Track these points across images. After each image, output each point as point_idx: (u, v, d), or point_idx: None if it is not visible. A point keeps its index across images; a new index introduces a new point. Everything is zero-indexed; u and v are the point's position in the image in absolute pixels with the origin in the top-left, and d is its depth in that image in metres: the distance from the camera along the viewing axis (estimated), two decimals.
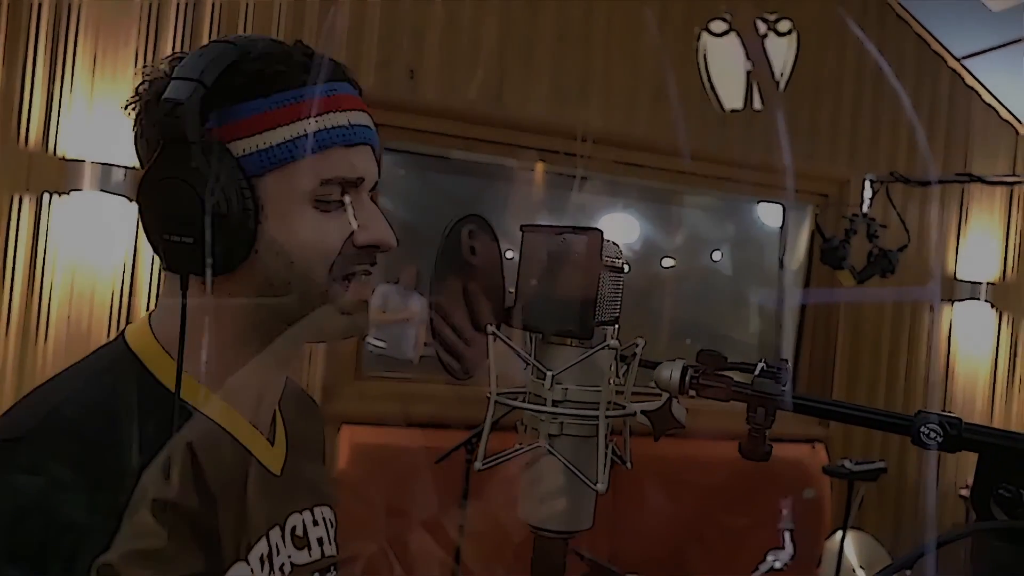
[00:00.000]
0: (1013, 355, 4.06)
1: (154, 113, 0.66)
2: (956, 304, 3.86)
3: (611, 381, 0.57)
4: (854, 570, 3.04)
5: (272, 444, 0.79)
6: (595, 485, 0.54)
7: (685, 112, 3.44)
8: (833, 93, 3.68)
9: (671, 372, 0.56)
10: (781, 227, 3.98)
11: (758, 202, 4.08)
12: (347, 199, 0.71)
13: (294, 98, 0.68)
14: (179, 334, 0.65)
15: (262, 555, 0.72)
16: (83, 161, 2.49)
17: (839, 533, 3.05)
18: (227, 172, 0.65)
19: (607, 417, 0.55)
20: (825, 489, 3.42)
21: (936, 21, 3.76)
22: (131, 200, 2.49)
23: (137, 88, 0.71)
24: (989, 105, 3.95)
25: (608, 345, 0.55)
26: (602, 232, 0.54)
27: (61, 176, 2.50)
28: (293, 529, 0.77)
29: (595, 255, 0.54)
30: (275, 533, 0.74)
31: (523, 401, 0.58)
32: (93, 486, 0.60)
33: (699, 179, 3.62)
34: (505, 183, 3.84)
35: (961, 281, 3.85)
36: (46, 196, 2.52)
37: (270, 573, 0.71)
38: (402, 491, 3.02)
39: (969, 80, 3.89)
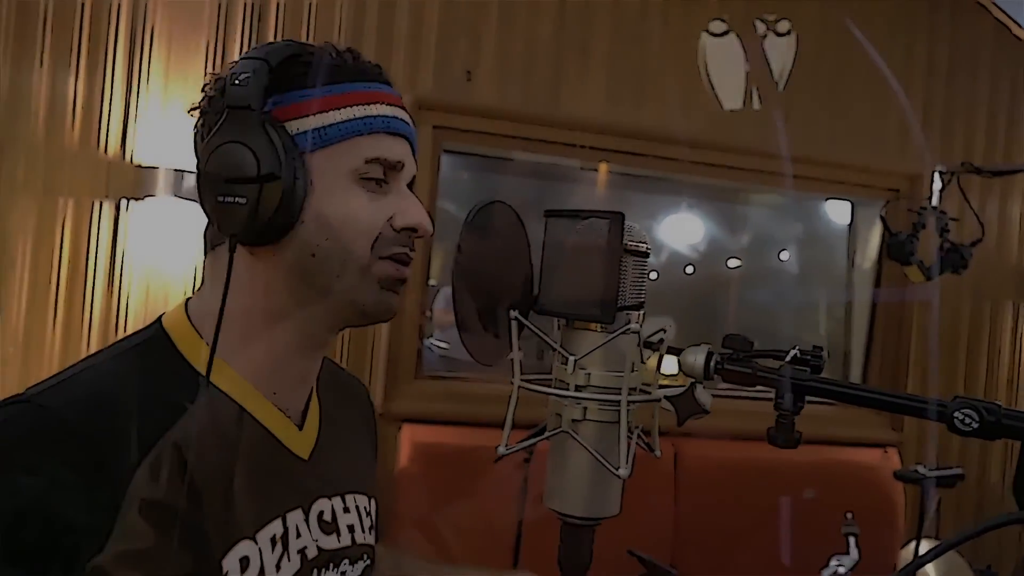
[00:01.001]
0: None
1: (217, 97, 0.74)
2: None
3: (634, 366, 0.56)
4: None
5: (301, 428, 0.81)
6: (617, 471, 0.54)
7: (748, 109, 3.36)
8: (904, 85, 3.54)
9: (695, 357, 0.55)
10: (850, 224, 3.85)
11: (826, 199, 3.96)
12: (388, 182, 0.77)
13: (344, 89, 0.75)
14: (220, 303, 0.68)
15: (275, 535, 0.72)
16: (156, 168, 2.60)
17: (915, 543, 2.93)
18: (282, 142, 0.70)
19: (630, 402, 0.54)
20: (899, 496, 3.29)
21: (1017, 6, 3.58)
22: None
23: (203, 88, 0.79)
24: None
25: (630, 329, 0.55)
26: (623, 215, 0.54)
27: (137, 182, 2.62)
28: (320, 514, 0.78)
29: (617, 239, 0.54)
30: (295, 516, 0.76)
31: (550, 387, 0.58)
32: (109, 456, 0.62)
33: (765, 176, 3.53)
34: (569, 184, 3.83)
35: None
36: (123, 202, 2.64)
37: (283, 554, 0.72)
38: (462, 488, 3.07)
39: None
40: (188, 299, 0.80)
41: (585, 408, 0.56)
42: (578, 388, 0.55)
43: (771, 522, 3.07)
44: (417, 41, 3.01)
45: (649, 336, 0.57)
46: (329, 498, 0.80)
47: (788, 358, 0.56)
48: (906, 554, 2.96)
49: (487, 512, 2.71)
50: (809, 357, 0.56)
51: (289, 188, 0.69)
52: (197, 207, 0.73)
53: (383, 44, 2.99)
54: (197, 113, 0.79)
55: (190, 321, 0.77)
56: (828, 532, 2.91)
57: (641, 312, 0.57)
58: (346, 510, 0.82)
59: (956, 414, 0.47)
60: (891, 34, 3.51)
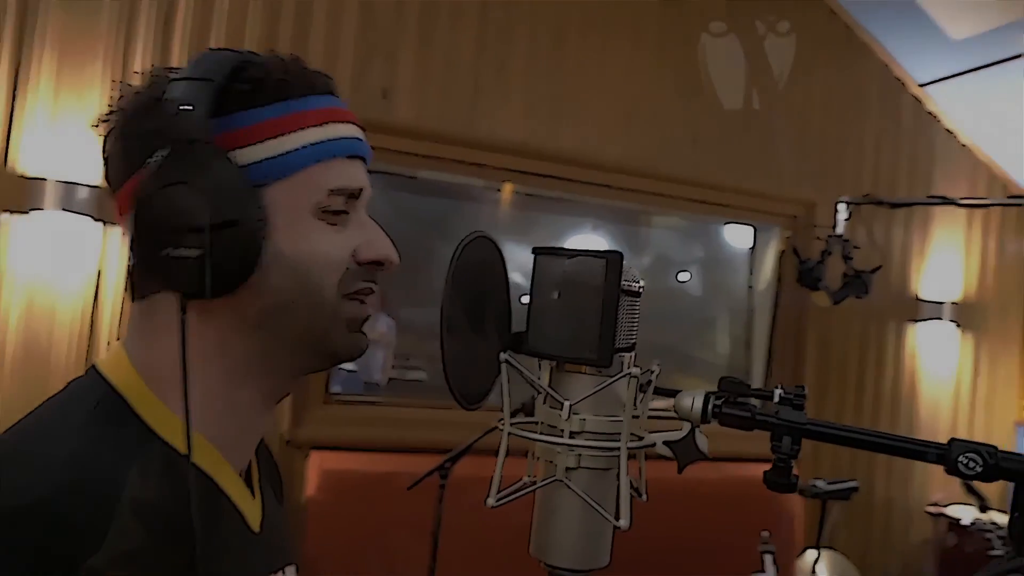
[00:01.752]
0: (975, 373, 4.14)
1: (149, 120, 0.62)
2: (920, 324, 3.93)
3: (626, 410, 0.54)
4: None
5: (253, 496, 0.73)
6: (617, 521, 0.52)
7: (656, 134, 3.46)
8: (801, 118, 3.74)
9: (693, 401, 0.54)
10: (752, 248, 4.02)
11: (726, 223, 4.12)
12: (350, 211, 0.69)
13: (297, 107, 0.66)
14: (181, 370, 0.60)
15: None
16: (44, 180, 2.41)
17: (810, 552, 3.06)
18: (235, 180, 0.61)
19: (628, 448, 0.52)
20: (798, 508, 3.43)
21: (899, 48, 3.85)
22: (96, 219, 2.42)
23: (118, 100, 0.67)
24: (949, 131, 4.05)
25: (630, 374, 0.53)
26: (622, 255, 0.52)
27: (21, 194, 2.42)
28: None
29: (615, 278, 0.52)
30: None
31: (537, 432, 0.56)
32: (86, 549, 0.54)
33: (670, 200, 3.64)
34: (474, 203, 3.82)
35: (924, 301, 3.92)
36: (5, 215, 2.44)
37: None
38: (374, 518, 2.96)
39: (930, 106, 3.99)
40: (125, 345, 0.69)
41: (580, 456, 0.53)
42: (573, 434, 0.53)
43: (684, 538, 3.14)
44: (333, 57, 2.94)
45: (614, 380, 0.55)
46: (274, 574, 0.74)
47: (775, 398, 0.55)
48: (802, 564, 3.09)
49: (400, 542, 2.64)
50: (792, 396, 0.56)
51: (249, 233, 0.61)
52: (91, 221, 0.64)
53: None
54: (108, 131, 0.67)
55: (140, 376, 0.66)
56: (736, 546, 3.00)
57: (633, 354, 0.56)
58: None
59: (960, 458, 0.48)
60: (790, 66, 3.70)
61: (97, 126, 0.68)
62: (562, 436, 0.53)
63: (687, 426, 0.54)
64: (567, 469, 0.53)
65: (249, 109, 0.64)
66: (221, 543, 0.64)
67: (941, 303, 3.90)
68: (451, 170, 3.23)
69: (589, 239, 4.46)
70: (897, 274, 3.88)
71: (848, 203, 2.22)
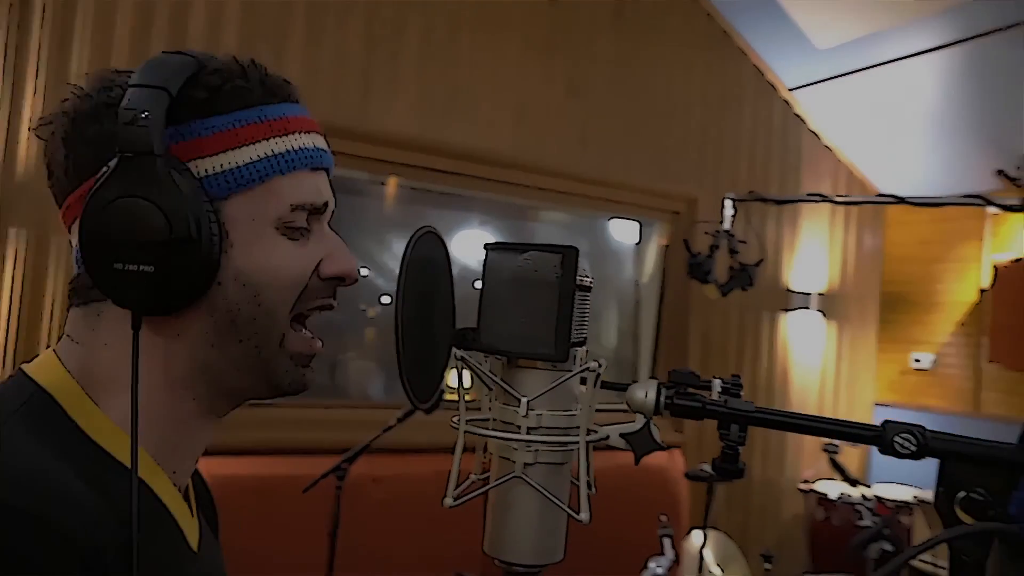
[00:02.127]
0: (839, 358, 4.46)
1: (100, 126, 0.59)
2: (790, 313, 4.19)
3: (583, 404, 0.54)
4: (710, 568, 3.19)
5: (192, 515, 0.69)
6: (578, 515, 0.52)
7: (545, 131, 3.51)
8: (683, 117, 3.90)
9: (646, 393, 0.54)
10: (638, 243, 4.15)
11: (611, 218, 4.23)
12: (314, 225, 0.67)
13: (257, 116, 0.62)
14: (131, 387, 0.56)
15: None
16: None
17: (695, 532, 3.20)
18: (193, 193, 0.58)
19: (588, 442, 0.53)
20: (684, 491, 3.58)
21: (770, 54, 4.08)
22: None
23: (63, 103, 0.62)
24: (815, 133, 4.33)
25: (589, 368, 0.53)
26: (578, 250, 0.52)
27: None
28: None
29: (571, 273, 0.52)
30: None
31: (490, 428, 0.55)
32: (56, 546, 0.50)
33: (558, 196, 3.70)
34: (357, 197, 3.75)
35: (794, 292, 4.18)
36: None
37: None
38: (266, 523, 2.86)
39: (798, 109, 4.25)
40: (58, 350, 0.64)
41: (537, 451, 0.53)
42: (530, 430, 0.53)
43: (581, 528, 3.21)
44: (215, 46, 2.79)
45: (573, 375, 0.55)
46: None
47: (717, 388, 0.57)
48: (688, 544, 3.22)
49: (298, 545, 2.56)
50: (730, 385, 0.58)
51: (206, 250, 0.58)
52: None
53: (176, 48, 2.74)
54: (52, 135, 0.62)
55: (74, 379, 0.62)
56: (632, 531, 3.09)
57: (584, 348, 0.56)
58: None
59: (895, 439, 0.51)
60: (671, 71, 3.85)
61: (37, 129, 0.63)
62: (519, 432, 0.52)
63: (640, 418, 0.55)
64: (525, 465, 0.52)
65: (207, 117, 0.61)
66: (161, 557, 0.60)
67: (809, 294, 4.18)
68: (342, 164, 3.15)
69: (476, 234, 4.47)
70: (770, 267, 4.12)
71: (734, 200, 2.33)
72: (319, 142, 0.67)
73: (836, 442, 3.60)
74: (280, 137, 0.63)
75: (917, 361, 4.49)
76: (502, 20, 3.39)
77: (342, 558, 2.42)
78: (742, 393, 0.58)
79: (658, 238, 4.07)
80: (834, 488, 3.85)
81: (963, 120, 3.95)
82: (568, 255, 0.52)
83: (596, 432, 0.54)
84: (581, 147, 3.60)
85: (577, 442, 0.53)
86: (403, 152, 3.19)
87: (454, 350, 0.55)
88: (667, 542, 2.32)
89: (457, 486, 0.53)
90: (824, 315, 4.27)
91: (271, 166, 0.62)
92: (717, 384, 0.57)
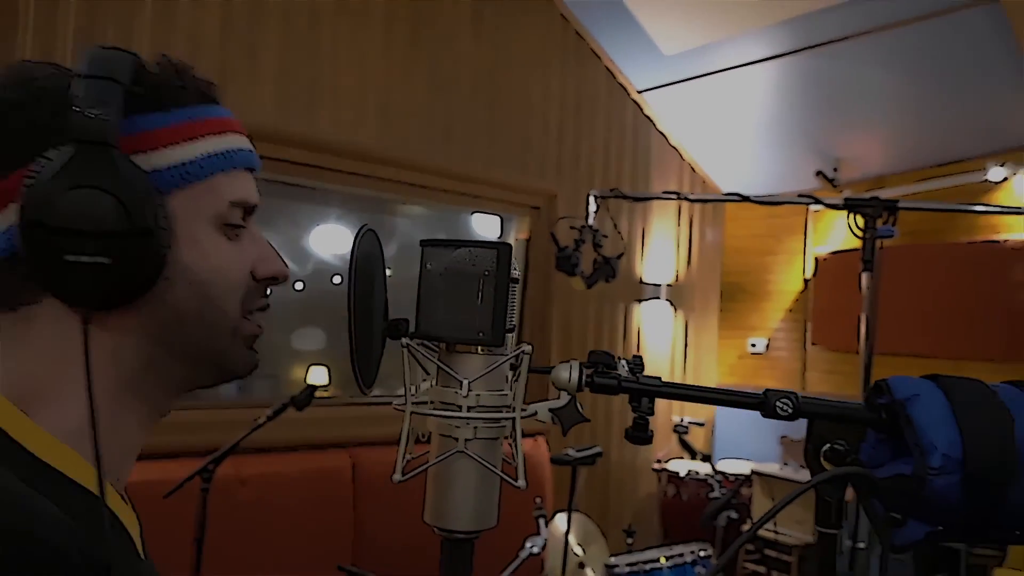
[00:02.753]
0: (685, 344, 4.79)
1: (25, 118, 0.58)
2: (643, 303, 4.46)
3: (517, 383, 0.61)
4: (573, 548, 3.36)
5: (137, 520, 0.68)
6: (516, 483, 0.58)
7: (409, 125, 3.54)
8: (541, 116, 4.04)
9: (570, 372, 0.61)
10: (499, 237, 4.26)
11: (473, 212, 4.32)
12: (249, 226, 0.68)
13: (195, 115, 0.63)
14: (87, 388, 0.55)
15: None
16: None
17: (559, 515, 3.35)
18: (145, 186, 0.57)
19: (516, 417, 0.59)
20: (547, 475, 3.73)
21: (621, 58, 4.31)
22: None
23: None
24: (662, 133, 4.63)
25: (524, 351, 0.59)
26: (511, 246, 0.58)
27: None
28: None
29: (506, 267, 0.58)
30: None
31: (430, 409, 0.60)
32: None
33: (420, 190, 3.73)
34: None
35: (646, 284, 4.45)
36: None
37: None
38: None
39: (647, 110, 4.52)
40: None
41: (476, 428, 0.59)
42: (469, 409, 0.58)
43: None
44: (50, 35, 2.60)
45: (508, 359, 0.61)
46: None
47: (627, 366, 0.65)
48: (554, 526, 3.37)
49: (162, 551, 2.45)
50: (634, 364, 0.66)
51: (157, 243, 0.58)
52: None
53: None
54: None
55: (9, 402, 0.59)
56: (506, 513, 3.19)
57: (514, 334, 0.62)
58: None
59: (777, 403, 0.61)
60: (529, 71, 3.98)
61: None
62: (460, 411, 0.58)
63: (565, 395, 0.62)
64: (466, 440, 0.58)
65: (148, 113, 0.61)
66: (124, 569, 0.59)
67: (659, 285, 4.46)
68: None
69: (333, 229, 4.41)
70: (624, 261, 4.36)
71: (597, 196, 2.47)
72: (248, 144, 0.69)
73: (685, 423, 3.88)
74: (218, 136, 0.65)
75: (753, 346, 4.91)
76: (363, 13, 3.37)
77: (210, 562, 2.35)
78: (643, 367, 0.66)
79: (517, 232, 4.19)
80: (684, 466, 4.15)
81: (789, 125, 4.36)
82: (502, 251, 0.58)
83: (527, 409, 0.61)
84: (445, 142, 3.66)
85: (512, 417, 0.59)
86: (261, 144, 3.09)
87: (403, 339, 0.59)
88: (541, 522, 2.43)
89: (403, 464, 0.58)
90: (672, 304, 4.58)
91: (213, 164, 0.63)
92: (623, 364, 0.65)
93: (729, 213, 5.10)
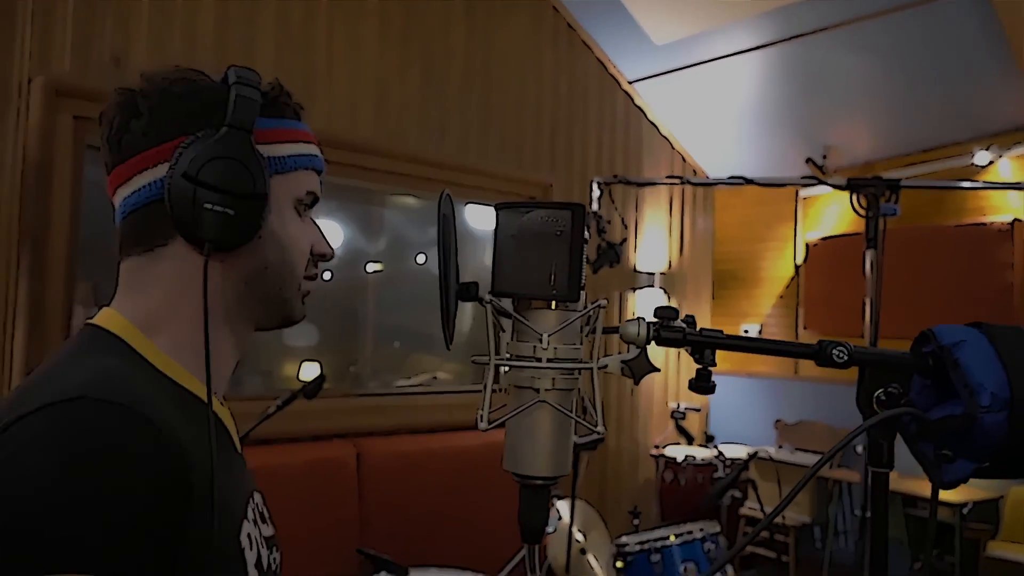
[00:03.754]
0: None
1: (183, 106, 0.76)
2: (638, 291, 4.51)
3: (595, 335, 0.64)
4: (575, 535, 3.40)
5: (233, 422, 0.86)
6: (597, 428, 0.61)
7: (404, 118, 3.56)
8: (534, 107, 4.07)
9: (638, 327, 0.65)
10: (495, 229, 4.28)
11: (467, 204, 4.34)
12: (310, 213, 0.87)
13: (294, 125, 0.84)
14: (203, 306, 0.72)
15: (254, 519, 0.79)
16: None
17: (560, 502, 3.40)
18: (263, 166, 0.76)
19: (591, 368, 0.62)
20: None
21: (612, 49, 4.35)
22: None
23: (152, 82, 0.77)
24: (653, 123, 4.67)
25: (600, 304, 0.63)
26: (584, 206, 0.62)
27: None
28: (256, 505, 0.83)
29: (580, 227, 0.61)
30: (251, 506, 0.80)
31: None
32: (156, 438, 0.63)
33: (415, 181, 3.75)
34: None
35: (640, 272, 4.50)
36: None
37: (250, 547, 0.77)
38: None
39: (638, 100, 4.57)
40: (115, 304, 0.78)
41: (554, 379, 0.62)
42: (548, 361, 0.62)
43: (454, 501, 3.32)
44: (50, 16, 2.61)
45: (584, 312, 0.65)
46: (256, 491, 0.85)
47: (682, 319, 0.69)
48: (554, 512, 3.42)
49: None
50: (688, 321, 0.70)
51: (261, 206, 0.76)
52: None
53: (3, 16, 2.54)
54: (132, 103, 0.77)
55: (134, 325, 0.76)
56: (496, 502, 3.22)
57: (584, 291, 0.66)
58: (264, 503, 0.87)
59: (833, 351, 0.65)
60: (522, 63, 4.01)
61: (122, 93, 0.78)
62: (540, 363, 0.61)
63: (634, 349, 0.65)
64: (545, 391, 0.61)
65: (264, 118, 0.79)
66: (223, 456, 0.74)
67: (653, 273, 4.51)
68: None
69: (324, 224, 4.40)
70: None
71: (601, 183, 2.50)
72: (320, 152, 0.89)
73: (683, 409, 3.94)
74: (305, 143, 0.85)
75: (746, 332, 4.97)
76: (357, 7, 3.39)
77: None
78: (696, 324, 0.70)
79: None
80: (681, 452, 4.20)
81: (779, 113, 4.42)
82: (576, 211, 0.61)
83: (601, 360, 0.64)
84: (439, 133, 3.68)
85: (589, 367, 0.62)
86: None
87: (486, 295, 0.63)
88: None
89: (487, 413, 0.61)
90: (666, 292, 4.63)
91: (300, 162, 0.83)
92: (681, 319, 0.69)
93: (719, 201, 5.16)
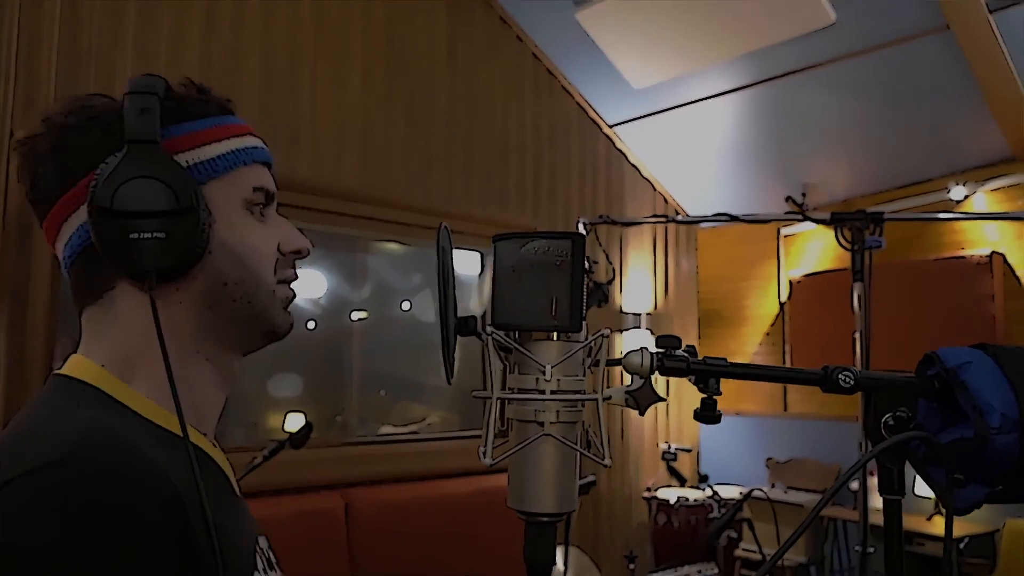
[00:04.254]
0: None
1: (97, 129, 0.70)
2: (625, 333, 4.50)
3: (590, 369, 0.63)
4: None
5: (229, 464, 0.79)
6: (603, 461, 0.60)
7: (389, 164, 3.57)
8: (517, 151, 4.11)
9: (641, 357, 0.64)
10: (480, 273, 4.29)
11: (454, 249, 4.33)
12: (269, 209, 0.79)
13: (219, 122, 0.76)
14: (160, 345, 0.65)
15: (264, 568, 0.75)
16: None
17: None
18: (185, 175, 0.69)
19: (597, 400, 0.61)
20: None
21: (592, 93, 4.42)
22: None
23: (45, 124, 0.72)
24: (634, 165, 4.73)
25: (603, 334, 0.62)
26: (584, 235, 0.61)
27: None
28: (263, 551, 0.78)
29: (581, 256, 0.60)
30: (258, 558, 0.76)
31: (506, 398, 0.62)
32: (148, 500, 0.59)
33: (399, 227, 3.75)
34: None
35: (626, 313, 4.50)
36: None
37: None
38: None
39: (619, 144, 4.63)
40: (81, 351, 0.73)
41: (558, 411, 0.61)
42: (552, 393, 0.60)
43: (447, 550, 3.24)
44: (34, 70, 2.62)
45: (587, 343, 0.64)
46: (261, 536, 0.80)
47: (683, 349, 0.68)
48: None
49: None
50: (691, 351, 0.69)
51: (204, 220, 0.69)
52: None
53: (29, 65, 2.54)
54: (42, 146, 0.71)
55: (104, 368, 0.71)
56: (493, 550, 3.16)
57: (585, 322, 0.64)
58: (270, 547, 0.82)
59: (839, 376, 0.64)
60: (504, 107, 4.06)
61: (21, 144, 0.72)
62: (544, 395, 0.60)
63: (636, 379, 0.64)
64: (550, 424, 0.60)
65: (179, 123, 0.73)
66: (220, 503, 0.69)
67: (639, 314, 4.52)
68: None
69: (307, 273, 4.38)
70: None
71: (587, 223, 2.51)
72: (263, 144, 0.81)
73: (673, 450, 3.90)
74: (237, 138, 0.77)
75: None
76: (341, 54, 3.43)
77: None
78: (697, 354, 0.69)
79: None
80: (673, 494, 4.15)
81: (758, 154, 4.50)
82: (576, 240, 0.61)
83: (606, 391, 0.63)
84: (424, 178, 3.70)
85: (594, 399, 0.61)
86: None
87: (487, 327, 0.61)
88: None
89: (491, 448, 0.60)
90: (652, 333, 4.63)
91: (236, 158, 0.76)
92: (684, 348, 0.68)
93: (702, 241, 5.20)
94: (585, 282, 0.61)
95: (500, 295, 0.63)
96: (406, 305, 4.58)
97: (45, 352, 2.64)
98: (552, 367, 0.60)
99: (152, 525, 0.58)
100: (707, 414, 0.65)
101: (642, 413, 0.64)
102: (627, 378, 0.67)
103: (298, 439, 2.47)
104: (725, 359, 0.66)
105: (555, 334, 0.62)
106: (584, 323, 0.63)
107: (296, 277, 0.80)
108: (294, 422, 4.44)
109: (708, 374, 0.65)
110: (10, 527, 0.54)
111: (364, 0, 3.51)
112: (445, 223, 0.65)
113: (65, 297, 2.83)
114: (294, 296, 0.80)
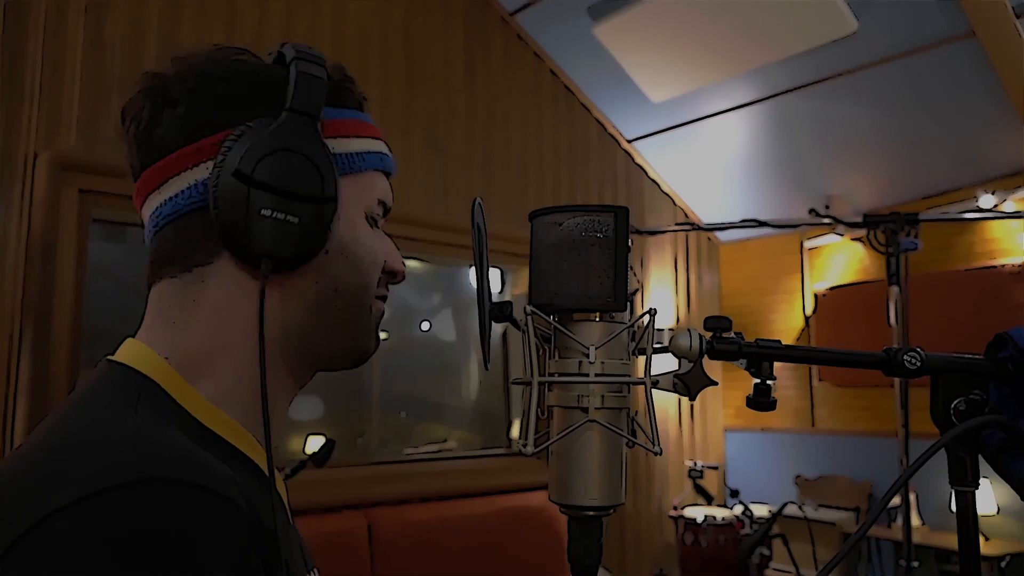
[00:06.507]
0: None
1: (228, 89, 0.62)
2: None
3: (636, 351, 0.59)
4: None
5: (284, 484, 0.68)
6: (654, 449, 0.56)
7: (408, 182, 3.57)
8: (536, 168, 4.09)
9: (690, 340, 0.60)
10: (500, 290, 4.25)
11: (471, 266, 4.31)
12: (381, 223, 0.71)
13: (362, 117, 0.69)
14: (258, 341, 0.57)
15: None
16: None
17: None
18: (332, 162, 0.61)
19: (649, 382, 0.57)
20: (563, 529, 3.63)
21: (611, 109, 4.41)
22: None
23: (184, 62, 0.63)
24: (654, 180, 4.70)
25: (651, 312, 0.58)
26: (628, 209, 0.57)
27: None
28: None
29: (625, 230, 0.57)
30: None
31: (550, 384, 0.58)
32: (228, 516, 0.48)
33: (420, 245, 3.74)
34: None
35: None
36: None
37: None
38: None
39: (638, 159, 4.60)
40: (143, 336, 0.62)
41: (603, 396, 0.57)
42: (596, 376, 0.56)
43: (469, 568, 3.18)
44: (57, 93, 2.64)
45: (633, 323, 0.60)
46: (314, 568, 0.69)
47: (731, 331, 0.64)
48: None
49: None
50: (738, 335, 0.64)
51: (329, 211, 0.61)
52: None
53: (11, 93, 2.56)
54: (161, 91, 0.62)
55: (168, 363, 0.60)
56: (517, 570, 3.10)
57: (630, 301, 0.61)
58: None
59: (905, 357, 0.59)
60: (523, 125, 4.05)
61: (146, 81, 0.62)
62: (588, 378, 0.56)
63: (685, 363, 0.60)
64: (595, 410, 0.56)
65: (331, 107, 0.65)
66: (289, 539, 0.60)
67: (662, 330, 4.43)
68: None
69: None
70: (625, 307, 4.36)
71: None
72: (389, 151, 0.73)
73: (699, 467, 3.82)
74: (375, 140, 0.70)
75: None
76: (360, 75, 3.42)
77: None
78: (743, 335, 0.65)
79: (513, 286, 4.18)
80: (700, 512, 4.06)
81: (779, 166, 4.44)
82: (620, 214, 0.57)
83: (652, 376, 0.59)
84: (443, 197, 3.68)
85: (641, 382, 0.57)
86: None
87: (526, 307, 0.57)
88: None
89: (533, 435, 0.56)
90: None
91: (373, 161, 0.68)
92: (732, 335, 0.64)
93: (724, 256, 5.14)
94: (629, 258, 0.57)
95: (538, 274, 0.59)
96: (425, 325, 4.56)
97: (68, 377, 2.62)
98: (596, 348, 0.56)
99: (248, 563, 0.48)
100: (761, 400, 0.61)
101: (692, 399, 0.59)
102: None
103: (320, 457, 2.44)
104: (779, 341, 0.61)
105: (598, 314, 0.58)
106: (629, 302, 0.59)
107: (386, 297, 0.71)
108: (314, 444, 4.42)
109: (762, 357, 0.61)
110: (63, 566, 0.43)
111: (383, 20, 3.53)
112: (480, 198, 0.62)
113: (88, 322, 2.83)
114: (383, 314, 0.71)
